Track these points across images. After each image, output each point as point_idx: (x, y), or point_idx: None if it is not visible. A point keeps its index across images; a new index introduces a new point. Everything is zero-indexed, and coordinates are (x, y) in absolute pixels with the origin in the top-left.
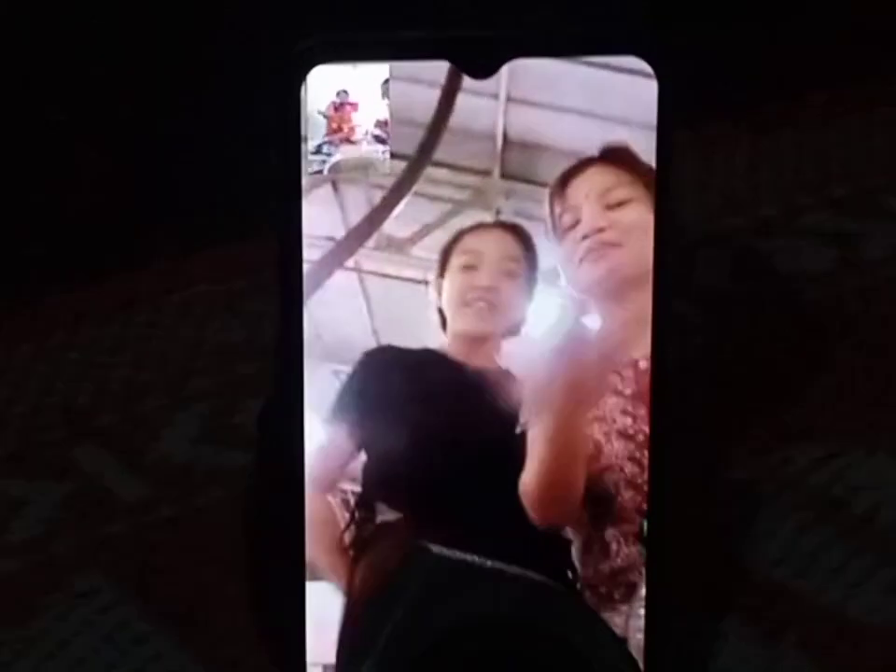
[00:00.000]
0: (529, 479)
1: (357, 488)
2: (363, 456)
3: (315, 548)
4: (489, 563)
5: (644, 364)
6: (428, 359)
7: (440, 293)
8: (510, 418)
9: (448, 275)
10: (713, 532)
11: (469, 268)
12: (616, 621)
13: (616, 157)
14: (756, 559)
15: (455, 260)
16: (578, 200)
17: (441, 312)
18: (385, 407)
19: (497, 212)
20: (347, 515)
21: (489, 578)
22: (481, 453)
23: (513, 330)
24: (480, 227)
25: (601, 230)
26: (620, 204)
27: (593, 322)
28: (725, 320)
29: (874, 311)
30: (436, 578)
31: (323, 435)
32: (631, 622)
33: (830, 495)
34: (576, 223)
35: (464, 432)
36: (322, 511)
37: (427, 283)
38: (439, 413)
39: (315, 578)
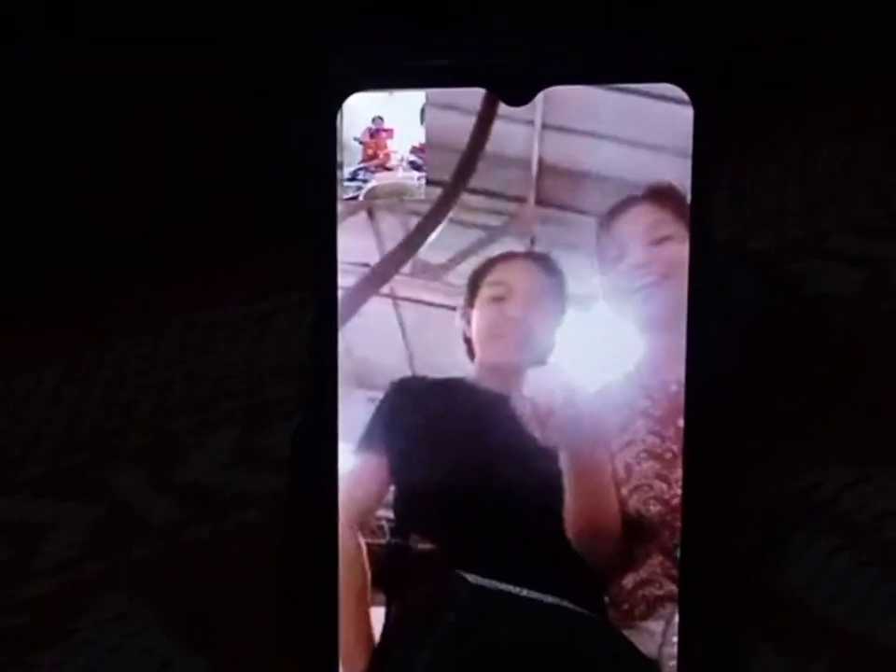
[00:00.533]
0: (568, 510)
1: (391, 519)
2: (395, 488)
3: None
4: (524, 592)
5: (675, 388)
6: (457, 389)
7: (468, 322)
8: (541, 447)
9: (477, 305)
10: (743, 556)
11: (497, 299)
12: (650, 648)
13: (660, 195)
14: (786, 584)
15: (485, 291)
16: (623, 235)
17: (468, 341)
18: (415, 437)
19: (532, 239)
20: (383, 544)
21: (525, 607)
22: (514, 483)
23: (541, 358)
24: (509, 257)
25: (646, 264)
26: (662, 240)
27: (624, 354)
28: (757, 342)
29: None
30: (472, 607)
31: (356, 466)
32: (664, 649)
33: (859, 519)
34: (622, 257)
35: (495, 461)
36: (351, 548)
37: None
38: (467, 443)
39: None
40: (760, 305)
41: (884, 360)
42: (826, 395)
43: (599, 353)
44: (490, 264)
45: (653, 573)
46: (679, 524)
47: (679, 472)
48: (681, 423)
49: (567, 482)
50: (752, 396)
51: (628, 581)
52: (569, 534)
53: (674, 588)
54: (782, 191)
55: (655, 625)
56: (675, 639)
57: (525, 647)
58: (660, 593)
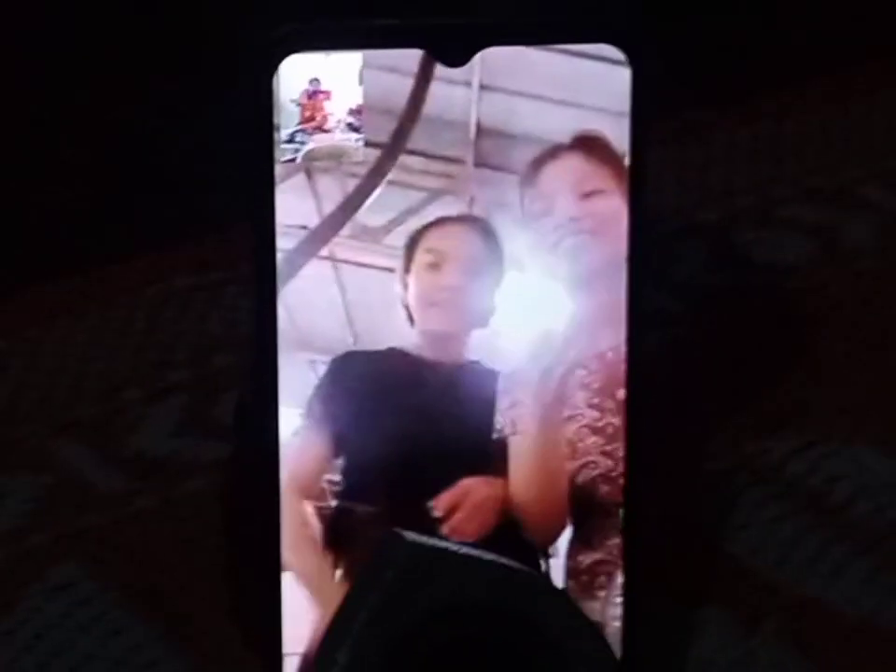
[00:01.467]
0: (517, 485)
1: (336, 482)
2: (341, 458)
3: (293, 552)
4: (463, 549)
5: (612, 355)
6: (396, 359)
7: (405, 289)
8: (486, 414)
9: (412, 272)
10: (691, 521)
11: (432, 266)
12: (593, 608)
13: (589, 145)
14: (734, 549)
15: (419, 258)
16: (550, 188)
17: (407, 307)
18: (358, 411)
19: (471, 200)
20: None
21: (463, 563)
22: (459, 451)
23: (481, 323)
24: (443, 222)
25: (575, 219)
26: (593, 194)
27: (560, 313)
28: (701, 311)
29: (850, 301)
30: (410, 564)
31: (300, 440)
32: (608, 609)
33: (807, 484)
34: (548, 211)
35: (439, 429)
36: (299, 514)
37: None
38: (410, 413)
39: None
40: (707, 274)
41: (831, 327)
42: (774, 362)
43: (532, 315)
44: (424, 230)
45: (610, 554)
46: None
47: (618, 447)
48: (621, 395)
49: (515, 457)
50: (698, 363)
51: (585, 558)
52: (512, 502)
53: None
54: (730, 160)
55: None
56: (619, 600)
57: (462, 603)
58: (616, 571)
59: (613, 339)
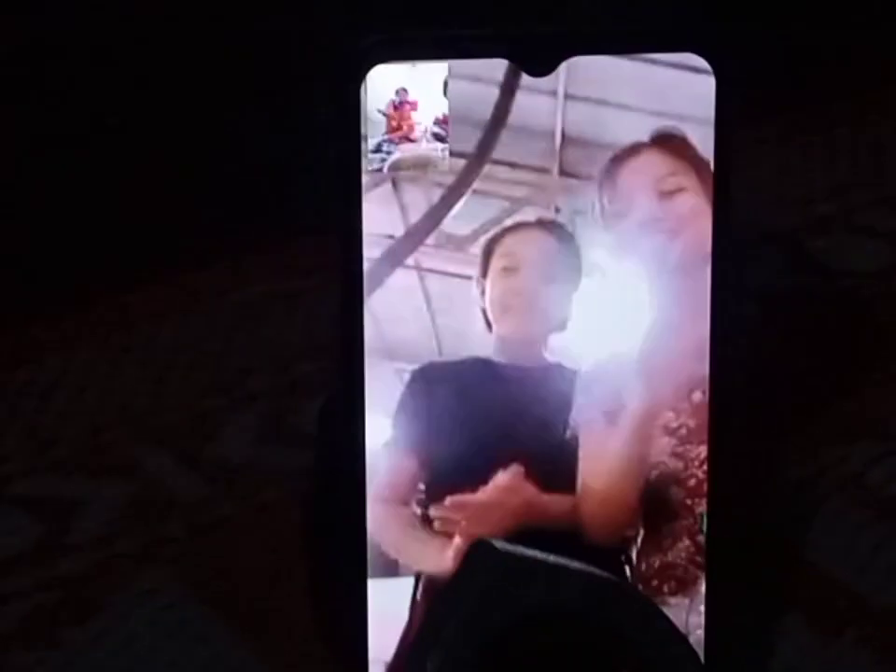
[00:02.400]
0: (587, 493)
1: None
2: (424, 467)
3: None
4: (552, 558)
5: (690, 358)
6: (477, 368)
7: (482, 293)
8: (561, 416)
9: (489, 277)
10: (772, 529)
11: (508, 270)
12: (677, 617)
13: (667, 143)
14: (815, 557)
15: (496, 262)
16: (629, 187)
17: (484, 312)
18: (440, 422)
19: (556, 209)
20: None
21: (552, 572)
22: (538, 454)
23: (558, 327)
24: (520, 227)
25: (656, 219)
26: (673, 193)
27: (641, 315)
28: (778, 317)
29: None
30: (500, 572)
31: (390, 448)
32: (691, 618)
33: (886, 493)
34: (627, 211)
35: (516, 433)
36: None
37: None
38: (490, 420)
39: (376, 575)
40: (784, 281)
41: None
42: (851, 369)
43: (612, 319)
44: (501, 235)
45: (678, 557)
46: (700, 508)
47: (696, 450)
48: (696, 397)
49: (581, 459)
50: (778, 371)
51: (655, 560)
52: (581, 511)
53: (699, 574)
54: (807, 167)
55: (684, 598)
56: (702, 608)
57: (552, 611)
58: (687, 576)
59: (692, 341)
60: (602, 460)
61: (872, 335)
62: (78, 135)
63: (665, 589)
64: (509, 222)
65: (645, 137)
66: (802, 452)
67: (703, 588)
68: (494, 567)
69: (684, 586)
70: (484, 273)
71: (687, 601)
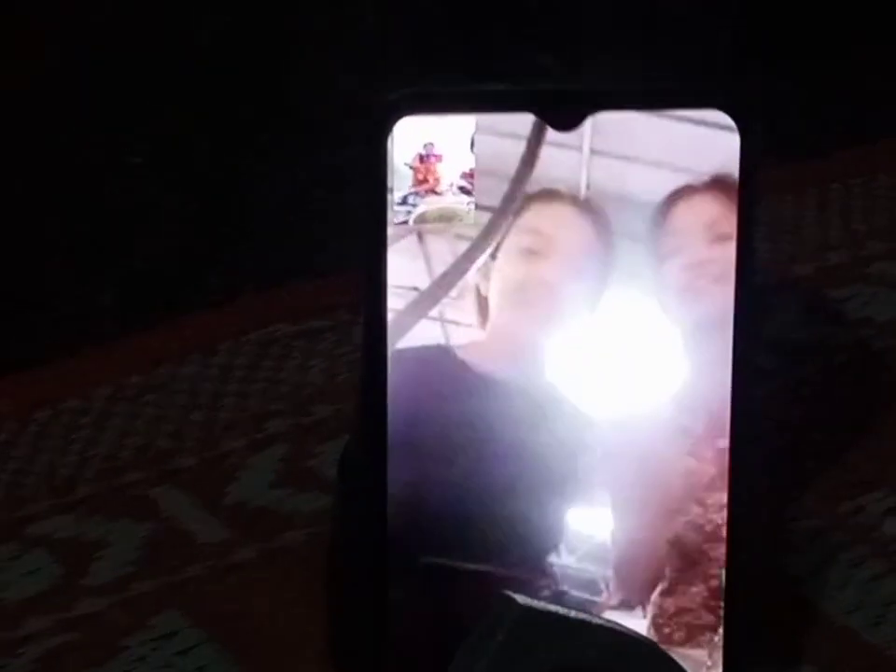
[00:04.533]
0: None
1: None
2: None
3: None
4: (573, 613)
5: (716, 405)
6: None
7: (486, 277)
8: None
9: (502, 257)
10: (787, 581)
11: (531, 253)
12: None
13: (724, 187)
14: (830, 609)
15: (516, 239)
16: (682, 227)
17: (483, 301)
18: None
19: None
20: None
21: (573, 627)
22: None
23: (575, 335)
24: (549, 196)
25: (706, 262)
26: (725, 238)
27: (670, 359)
28: (795, 366)
29: None
30: (522, 628)
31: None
32: (710, 670)
33: None
34: (679, 251)
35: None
36: None
37: None
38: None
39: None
40: (801, 330)
41: None
42: (867, 418)
43: (641, 355)
44: (527, 202)
45: (693, 602)
46: (715, 553)
47: (715, 496)
48: (721, 444)
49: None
50: (795, 420)
51: (668, 604)
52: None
53: (713, 619)
54: (825, 218)
55: (701, 651)
56: (720, 662)
57: (574, 668)
58: (699, 622)
59: (721, 388)
60: (633, 513)
61: (888, 385)
62: (99, 173)
63: (677, 636)
64: (535, 188)
65: (695, 178)
66: (818, 502)
67: (720, 640)
68: (516, 622)
69: (696, 633)
70: (494, 254)
71: (706, 655)
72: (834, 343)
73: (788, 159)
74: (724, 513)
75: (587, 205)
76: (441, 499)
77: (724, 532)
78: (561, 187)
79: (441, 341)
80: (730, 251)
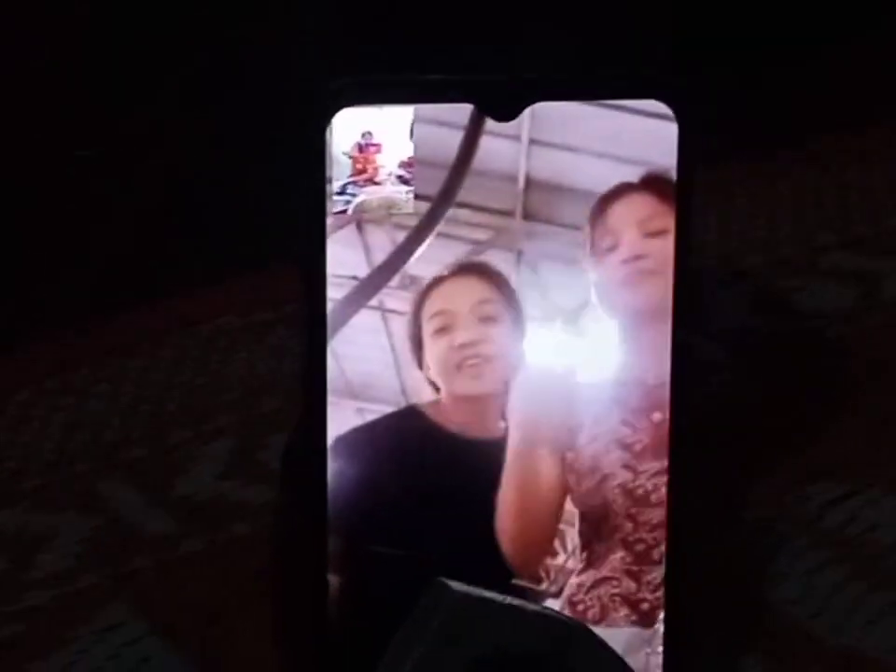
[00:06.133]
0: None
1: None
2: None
3: None
4: (508, 599)
5: (652, 381)
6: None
7: (421, 365)
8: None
9: (426, 344)
10: (730, 571)
11: (443, 331)
12: (634, 659)
13: (657, 184)
14: (774, 598)
15: (427, 327)
16: (618, 224)
17: (432, 383)
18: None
19: (519, 252)
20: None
21: (507, 614)
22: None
23: (517, 375)
24: (439, 281)
25: (640, 256)
26: (658, 233)
27: (610, 348)
28: (744, 358)
29: (892, 350)
30: (455, 613)
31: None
32: (651, 659)
33: (845, 534)
34: (615, 247)
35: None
36: None
37: None
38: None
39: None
40: (750, 321)
41: (872, 377)
42: (814, 410)
43: (583, 352)
44: (424, 295)
45: (613, 569)
46: (644, 517)
47: (648, 464)
48: (656, 416)
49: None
50: (741, 411)
51: (588, 577)
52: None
53: (632, 585)
54: (773, 210)
55: (642, 633)
56: (660, 649)
57: (508, 654)
58: (616, 591)
59: (659, 368)
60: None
61: (835, 377)
62: (51, 169)
63: (591, 613)
64: (426, 282)
65: (630, 179)
66: (763, 493)
67: (661, 630)
68: (449, 608)
69: (608, 613)
70: (419, 344)
71: (647, 639)
72: (785, 333)
73: (737, 151)
74: (655, 480)
75: (470, 268)
76: (382, 491)
77: (654, 497)
78: (444, 271)
79: (382, 330)
80: (663, 245)
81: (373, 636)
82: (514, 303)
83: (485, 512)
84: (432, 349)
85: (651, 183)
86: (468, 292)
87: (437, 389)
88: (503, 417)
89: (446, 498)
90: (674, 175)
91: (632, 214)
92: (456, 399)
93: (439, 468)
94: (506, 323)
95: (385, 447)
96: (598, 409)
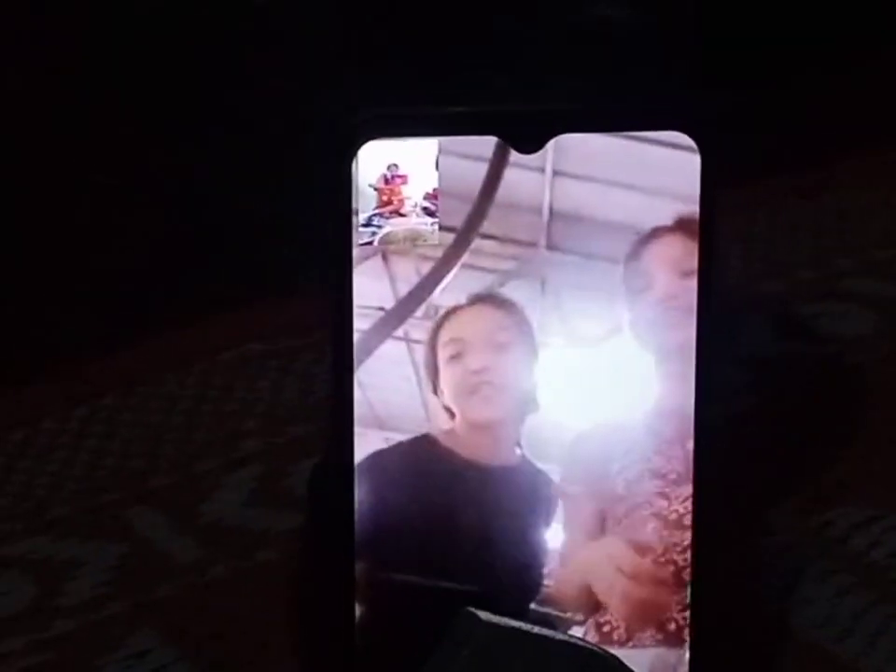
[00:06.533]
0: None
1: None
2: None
3: None
4: (535, 629)
5: (688, 412)
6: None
7: (438, 392)
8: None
9: (441, 371)
10: (755, 596)
11: (457, 357)
12: None
13: (690, 227)
14: (798, 623)
15: (442, 353)
16: (652, 265)
17: (447, 409)
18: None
19: (543, 282)
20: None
21: (537, 644)
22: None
23: (530, 407)
24: (455, 311)
25: (674, 296)
26: (691, 273)
27: (644, 383)
28: (766, 382)
29: None
30: (484, 644)
31: None
32: None
33: (869, 558)
34: (648, 287)
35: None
36: None
37: None
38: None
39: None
40: (772, 346)
41: (894, 400)
42: (837, 434)
43: (615, 388)
44: (439, 326)
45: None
46: (675, 538)
47: (679, 490)
48: (690, 445)
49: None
50: (765, 435)
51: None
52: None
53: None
54: (794, 236)
55: (667, 654)
56: None
57: None
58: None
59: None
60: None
61: (857, 401)
62: (65, 193)
63: (616, 635)
64: (442, 311)
65: (662, 220)
66: (786, 517)
67: (687, 656)
68: (477, 638)
69: (633, 636)
70: (436, 370)
71: (672, 665)
72: (805, 359)
73: (757, 176)
74: (688, 504)
75: (484, 300)
76: (409, 518)
77: (687, 520)
78: (462, 299)
79: (407, 360)
80: (695, 284)
81: (402, 666)
82: (529, 333)
83: (506, 540)
84: (447, 375)
85: (684, 225)
86: (482, 321)
87: (452, 416)
88: (518, 444)
89: (464, 527)
90: (687, 211)
91: (665, 255)
92: (470, 425)
93: (453, 495)
94: (520, 351)
95: (397, 474)
96: (632, 439)
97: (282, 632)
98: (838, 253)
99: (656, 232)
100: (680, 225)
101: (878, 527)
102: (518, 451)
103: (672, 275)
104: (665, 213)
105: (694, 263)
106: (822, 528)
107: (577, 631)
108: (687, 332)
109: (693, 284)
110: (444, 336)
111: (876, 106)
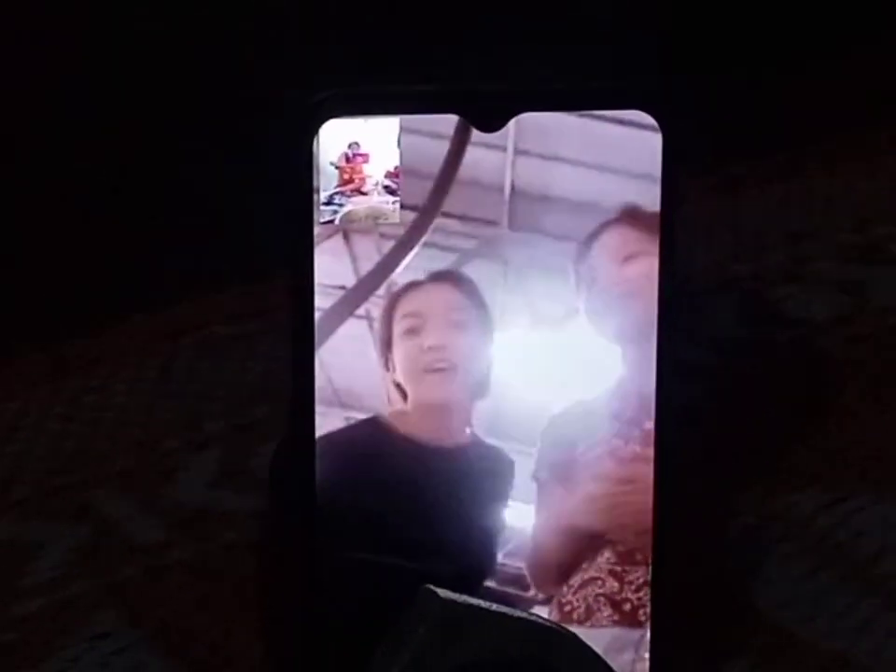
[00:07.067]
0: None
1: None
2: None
3: None
4: (494, 606)
5: (646, 392)
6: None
7: (390, 368)
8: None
9: (395, 345)
10: (720, 576)
11: (412, 332)
12: (622, 662)
13: (634, 215)
14: (762, 604)
15: (398, 328)
16: (597, 259)
17: (398, 386)
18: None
19: (505, 261)
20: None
21: (494, 620)
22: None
23: (481, 390)
24: (413, 286)
25: (616, 283)
26: (630, 258)
27: (605, 366)
28: (732, 365)
29: (881, 357)
30: (442, 621)
31: None
32: (637, 665)
33: (835, 539)
34: (595, 279)
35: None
36: None
37: None
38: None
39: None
40: (738, 329)
41: (861, 383)
42: (803, 417)
43: (576, 370)
44: (396, 298)
45: (599, 570)
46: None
47: (639, 472)
48: (648, 425)
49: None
50: (730, 417)
51: (576, 579)
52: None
53: (615, 585)
54: (762, 218)
55: (628, 634)
56: (647, 655)
57: (495, 660)
58: (601, 591)
59: (649, 381)
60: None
61: (823, 383)
62: (32, 180)
63: (575, 616)
64: (401, 284)
65: (607, 204)
66: (751, 499)
67: (648, 636)
68: (436, 615)
69: (592, 614)
70: (389, 344)
71: (633, 644)
72: (771, 342)
73: (723, 158)
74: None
75: (444, 277)
76: (369, 497)
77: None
78: (420, 275)
79: (368, 339)
80: (636, 267)
81: (360, 642)
82: (487, 314)
83: (460, 519)
84: (400, 350)
85: (627, 215)
86: (441, 298)
87: (403, 395)
88: (469, 424)
89: (418, 507)
90: (647, 192)
91: (608, 246)
92: (422, 405)
93: (405, 476)
94: (476, 332)
95: (347, 457)
96: (594, 428)
97: (246, 613)
98: (804, 236)
99: (601, 227)
100: (625, 213)
101: (843, 508)
102: (468, 430)
103: (614, 264)
104: (628, 192)
105: (638, 249)
106: (788, 509)
107: (541, 610)
108: (639, 316)
109: (633, 268)
110: (401, 310)
111: (844, 90)
